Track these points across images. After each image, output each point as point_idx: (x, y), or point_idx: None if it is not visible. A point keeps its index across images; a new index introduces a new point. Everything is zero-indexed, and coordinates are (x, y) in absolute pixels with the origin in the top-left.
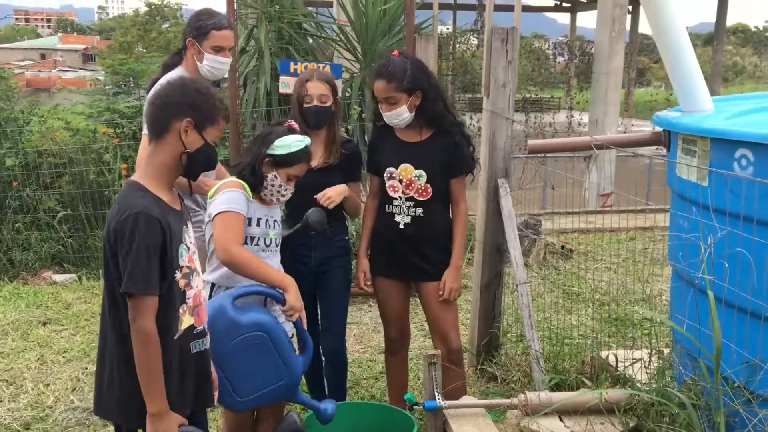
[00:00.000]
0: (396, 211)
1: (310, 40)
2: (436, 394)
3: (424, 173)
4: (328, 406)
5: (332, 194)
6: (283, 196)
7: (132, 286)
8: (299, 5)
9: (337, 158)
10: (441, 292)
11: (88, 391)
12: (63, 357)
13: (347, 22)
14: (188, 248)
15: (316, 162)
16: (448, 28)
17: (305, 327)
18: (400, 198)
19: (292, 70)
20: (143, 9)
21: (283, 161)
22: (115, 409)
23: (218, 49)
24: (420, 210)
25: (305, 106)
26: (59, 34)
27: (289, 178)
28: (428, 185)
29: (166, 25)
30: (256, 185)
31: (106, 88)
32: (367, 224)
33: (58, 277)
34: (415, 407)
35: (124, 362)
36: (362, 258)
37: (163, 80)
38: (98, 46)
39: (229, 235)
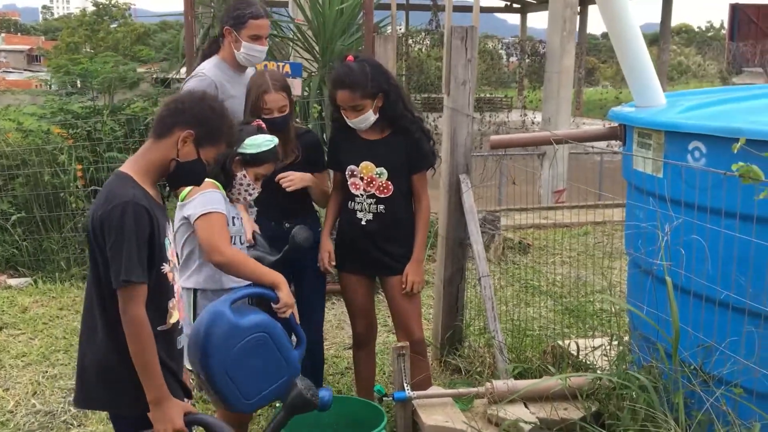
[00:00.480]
0: (358, 208)
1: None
2: (405, 385)
3: (385, 170)
4: (324, 393)
5: (294, 177)
6: (250, 195)
7: (123, 275)
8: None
9: (298, 155)
10: (404, 286)
11: (49, 395)
12: (21, 361)
13: (305, 21)
14: (171, 243)
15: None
16: (400, 28)
17: (298, 322)
18: (362, 195)
19: None
20: (90, 9)
21: (253, 160)
22: (108, 397)
23: (255, 38)
24: (381, 207)
25: (265, 117)
26: (2, 35)
27: (257, 177)
28: (389, 182)
29: (115, 25)
30: (225, 184)
31: (53, 88)
32: (330, 212)
33: (13, 281)
34: (384, 398)
35: (114, 350)
36: (325, 239)
37: (188, 86)
38: (44, 46)
39: (220, 236)
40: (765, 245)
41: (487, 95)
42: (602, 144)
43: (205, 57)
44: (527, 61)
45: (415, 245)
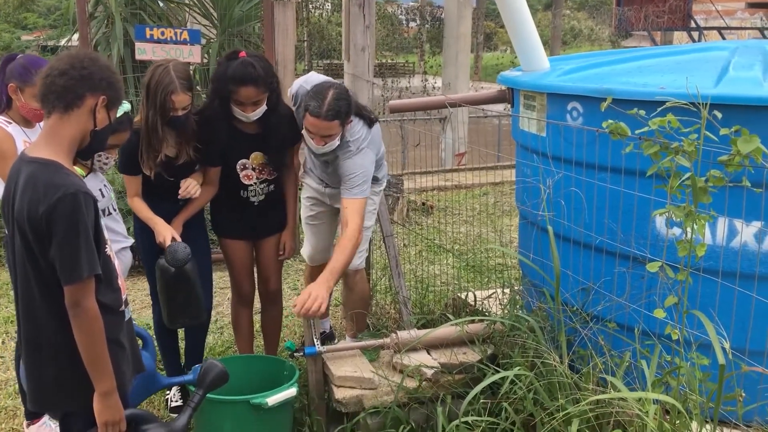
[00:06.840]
0: (251, 194)
1: (162, 4)
2: (315, 340)
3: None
4: (197, 368)
5: (192, 184)
6: (105, 164)
7: (85, 270)
8: None
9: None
10: (281, 252)
11: None
12: None
13: None
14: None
15: (175, 155)
16: None
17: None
18: (255, 183)
19: (148, 36)
20: None
21: None
22: (63, 397)
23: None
24: (272, 186)
25: (172, 114)
26: None
27: (111, 146)
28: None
29: None
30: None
31: None
32: (198, 204)
33: None
34: (295, 354)
35: (65, 349)
36: (174, 225)
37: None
38: None
39: None
40: (631, 194)
41: (389, 61)
42: (500, 107)
43: None
44: (427, 26)
45: (288, 214)
